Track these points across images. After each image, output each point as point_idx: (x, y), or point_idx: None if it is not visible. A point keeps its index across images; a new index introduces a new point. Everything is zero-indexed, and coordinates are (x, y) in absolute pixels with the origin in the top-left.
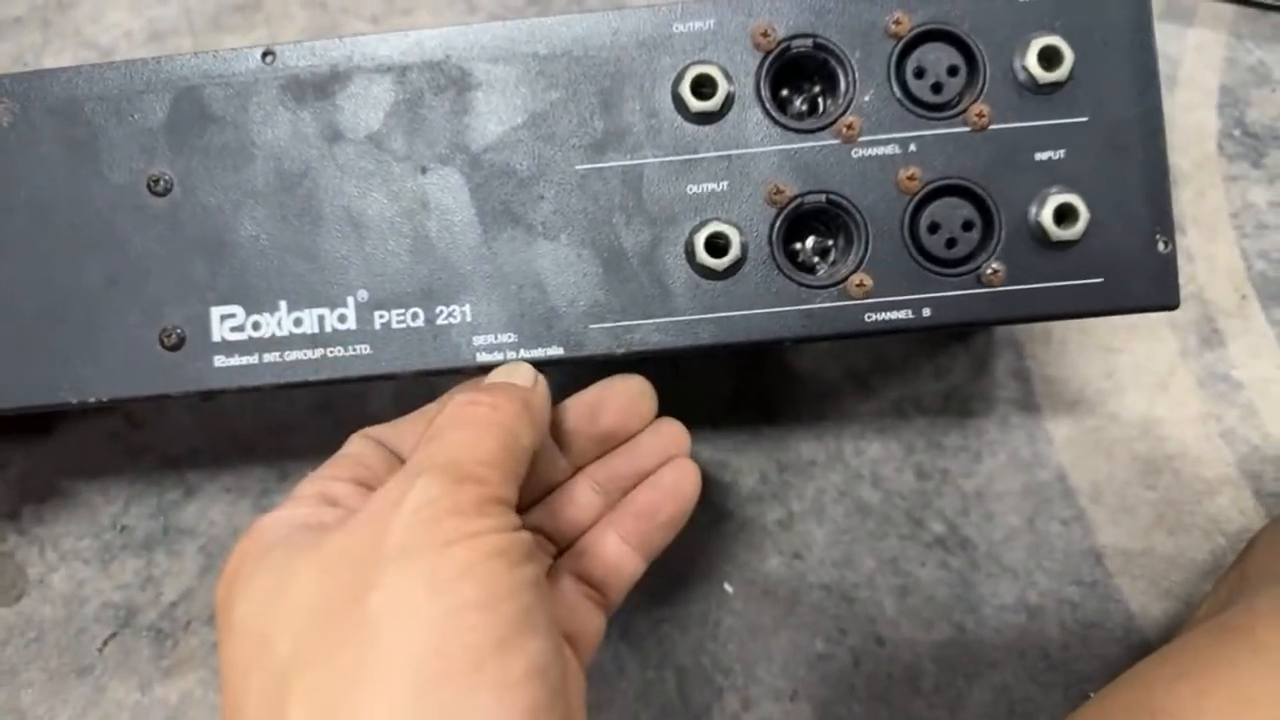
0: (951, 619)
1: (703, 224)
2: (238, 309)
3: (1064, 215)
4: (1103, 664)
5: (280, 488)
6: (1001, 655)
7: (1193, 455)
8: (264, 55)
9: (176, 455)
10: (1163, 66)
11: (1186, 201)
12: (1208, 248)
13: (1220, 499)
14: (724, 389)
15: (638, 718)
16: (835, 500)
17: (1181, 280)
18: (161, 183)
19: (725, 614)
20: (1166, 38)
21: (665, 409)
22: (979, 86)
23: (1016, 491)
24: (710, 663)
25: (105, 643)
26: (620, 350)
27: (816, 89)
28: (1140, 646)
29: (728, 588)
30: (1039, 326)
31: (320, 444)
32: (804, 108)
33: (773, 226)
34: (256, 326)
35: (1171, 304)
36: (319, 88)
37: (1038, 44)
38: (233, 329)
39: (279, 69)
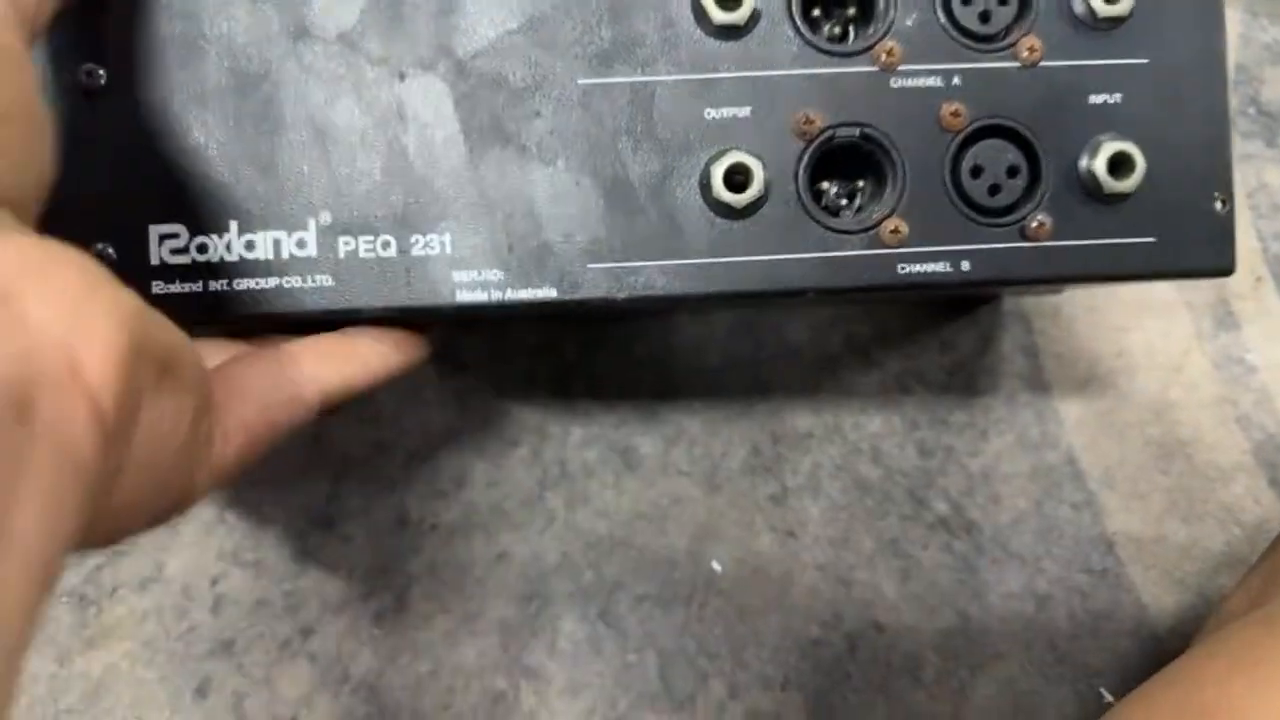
0: (955, 606)
1: (721, 154)
2: (180, 228)
3: (1118, 165)
4: (1113, 657)
5: None
6: (1007, 646)
7: (1207, 441)
8: None
9: None
10: None
11: None
12: None
13: (1235, 487)
14: (713, 357)
15: (615, 703)
16: (832, 475)
17: None
18: (93, 76)
19: (712, 594)
20: None
21: (650, 375)
22: (1031, 17)
23: (1024, 473)
24: (695, 646)
25: None
26: (621, 294)
27: (851, 10)
28: (1151, 640)
29: (716, 566)
30: (1047, 300)
31: None
32: (837, 30)
33: (799, 161)
34: (202, 249)
35: (1228, 269)
36: None
37: None
38: (173, 251)
39: None
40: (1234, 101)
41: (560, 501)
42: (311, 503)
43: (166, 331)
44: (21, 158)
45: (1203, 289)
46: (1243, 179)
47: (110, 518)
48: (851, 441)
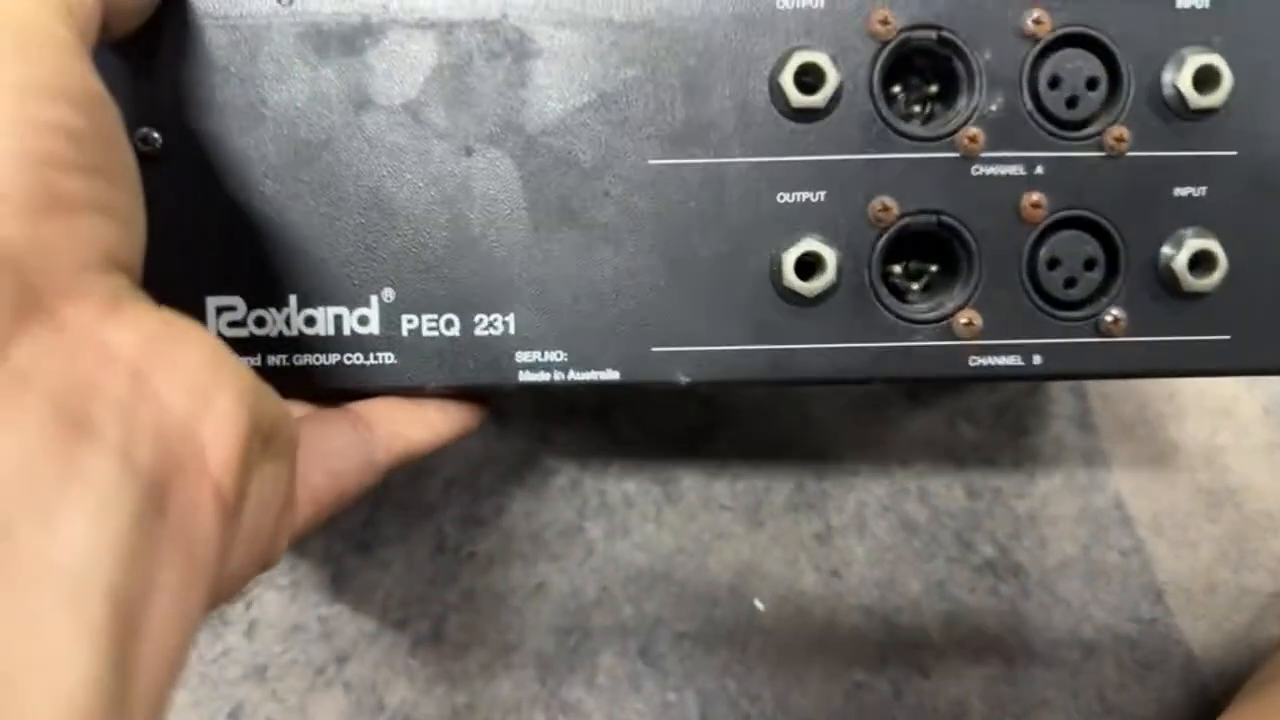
0: (1001, 651)
1: (793, 240)
2: (237, 300)
3: (1200, 262)
4: (1161, 709)
5: None
6: (1054, 694)
7: (1257, 488)
8: None
9: None
10: None
11: None
12: None
13: None
14: (756, 389)
15: None
16: (878, 515)
17: None
18: (149, 142)
19: (755, 633)
20: None
21: (694, 406)
22: (1120, 105)
23: (1072, 516)
24: (737, 686)
25: None
26: (686, 379)
27: (933, 88)
28: (1201, 691)
29: (759, 605)
30: None
31: None
32: (915, 111)
33: (873, 249)
34: (260, 323)
35: None
36: (346, 41)
37: (1194, 62)
38: (231, 324)
39: (298, 13)
40: None
41: (600, 532)
42: (349, 527)
43: (274, 403)
44: (130, 215)
45: None
46: None
47: (215, 593)
48: (898, 481)
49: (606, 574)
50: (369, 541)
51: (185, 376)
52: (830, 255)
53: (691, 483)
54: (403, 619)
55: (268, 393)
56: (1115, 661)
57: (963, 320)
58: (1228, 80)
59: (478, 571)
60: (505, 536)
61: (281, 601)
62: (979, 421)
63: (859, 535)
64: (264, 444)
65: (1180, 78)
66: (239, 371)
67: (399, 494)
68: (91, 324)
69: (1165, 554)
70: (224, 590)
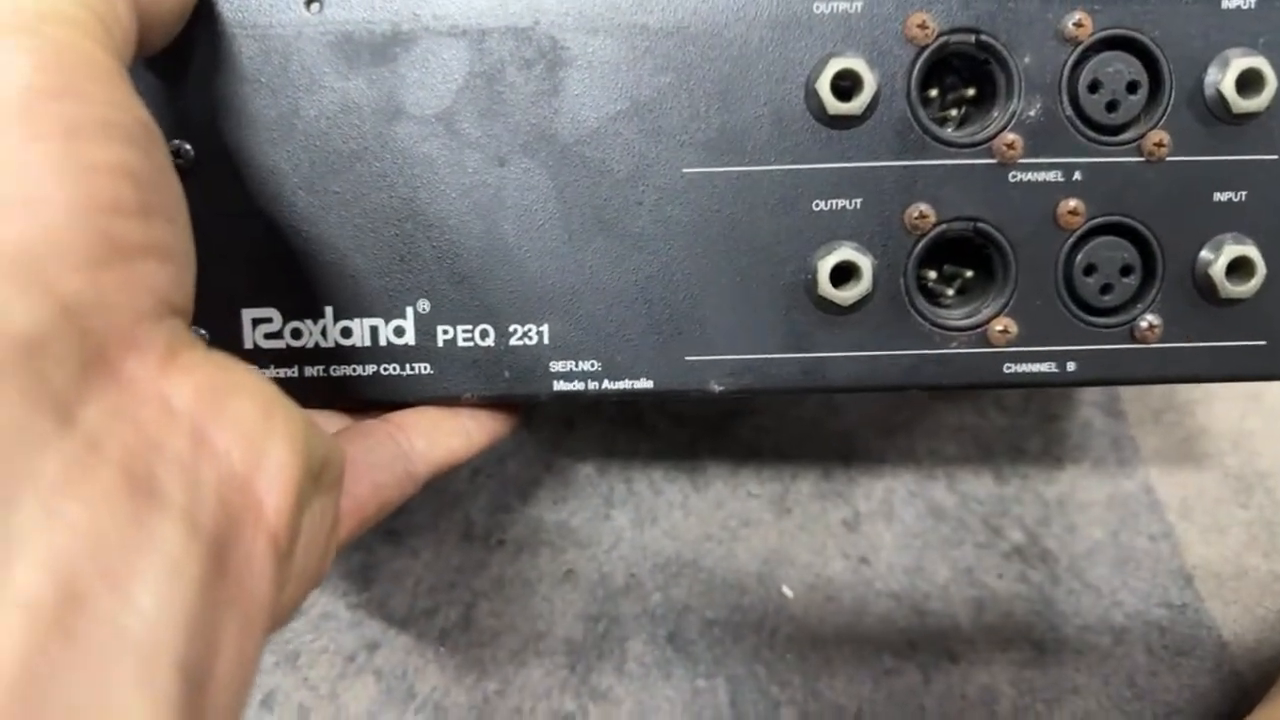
0: (1031, 637)
1: (828, 249)
2: (273, 312)
3: (1238, 268)
4: (1193, 695)
5: None
6: (1084, 680)
7: None
8: (309, 3)
9: None
10: None
11: None
12: None
13: None
14: (791, 397)
15: None
16: (906, 501)
17: None
18: (181, 155)
19: (783, 620)
20: None
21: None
22: (1161, 109)
23: (1100, 502)
24: (766, 673)
25: None
26: (719, 388)
27: (970, 91)
28: (1233, 678)
29: (787, 591)
30: None
31: None
32: (951, 114)
33: (909, 256)
34: (296, 335)
35: None
36: (377, 50)
37: (1239, 65)
38: (267, 336)
39: (328, 22)
40: None
41: (627, 520)
42: None
43: (323, 439)
44: (184, 253)
45: None
46: None
47: (270, 627)
48: (926, 467)
49: (634, 561)
50: (399, 530)
51: (241, 427)
52: (866, 263)
53: (718, 470)
54: (432, 607)
55: (317, 430)
56: (1145, 647)
57: (998, 328)
58: (1273, 83)
59: (507, 559)
60: (533, 524)
61: (312, 590)
62: (1007, 408)
63: (887, 522)
64: (314, 482)
65: (1224, 81)
66: (290, 415)
67: (428, 483)
68: (153, 378)
69: (1195, 539)
70: (279, 619)
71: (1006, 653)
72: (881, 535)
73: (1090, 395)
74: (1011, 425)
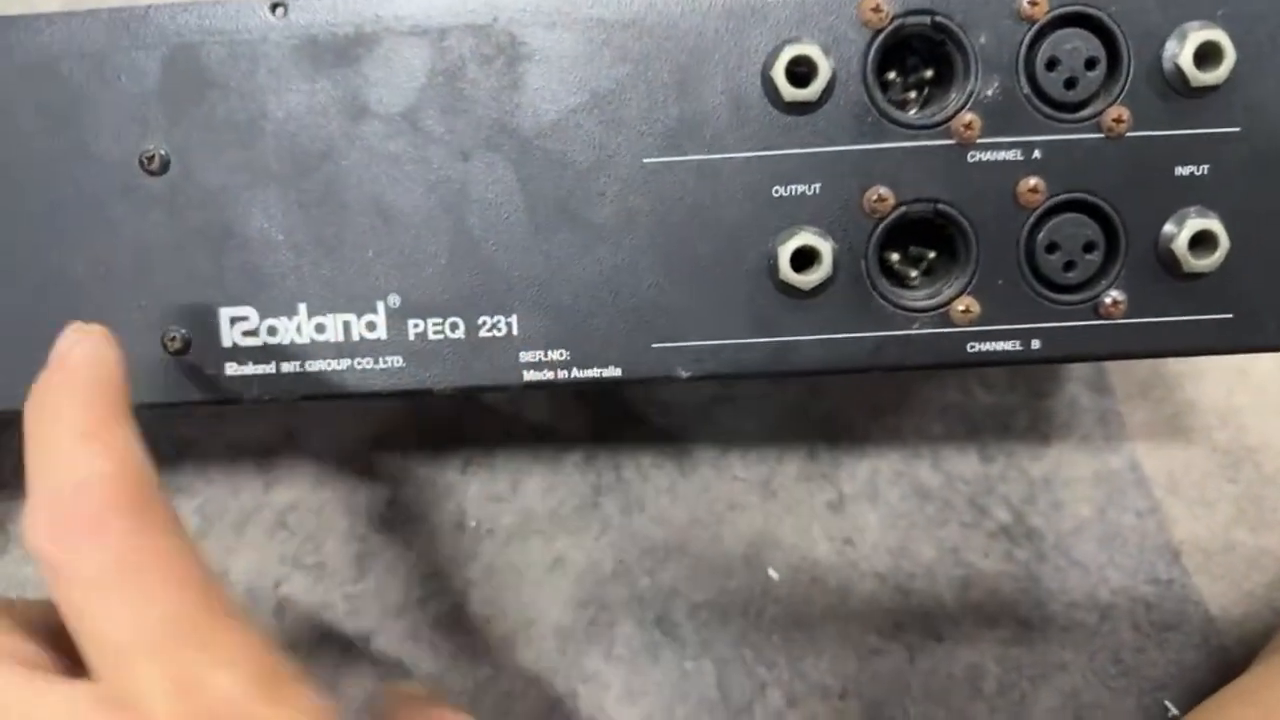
0: (1016, 615)
1: (789, 234)
2: (250, 310)
3: (1201, 243)
4: (1180, 670)
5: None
6: (1070, 657)
7: (1276, 447)
8: (274, 8)
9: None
10: None
11: None
12: None
13: None
14: (757, 381)
15: (673, 711)
16: (891, 482)
17: None
18: (156, 159)
19: (769, 602)
20: None
21: None
22: (1120, 85)
23: (1087, 478)
24: (753, 655)
25: None
26: (685, 374)
27: (929, 72)
28: (1220, 652)
29: (773, 574)
30: None
31: None
32: (911, 96)
33: (870, 239)
34: (272, 331)
35: None
36: (341, 51)
37: (1196, 37)
38: (245, 333)
39: (292, 26)
40: None
41: (615, 507)
42: (372, 507)
43: None
44: None
45: None
46: None
47: None
48: (911, 447)
49: (623, 547)
50: (392, 520)
51: None
52: (826, 247)
53: (705, 454)
54: (426, 595)
55: None
56: (1132, 624)
57: (960, 307)
58: (1230, 55)
59: (497, 548)
60: (523, 513)
61: (308, 581)
62: (993, 386)
63: (872, 503)
64: None
65: (1182, 55)
66: None
67: (420, 473)
68: None
69: (1182, 514)
70: None
71: (992, 631)
72: (866, 516)
73: (1077, 372)
74: (998, 403)
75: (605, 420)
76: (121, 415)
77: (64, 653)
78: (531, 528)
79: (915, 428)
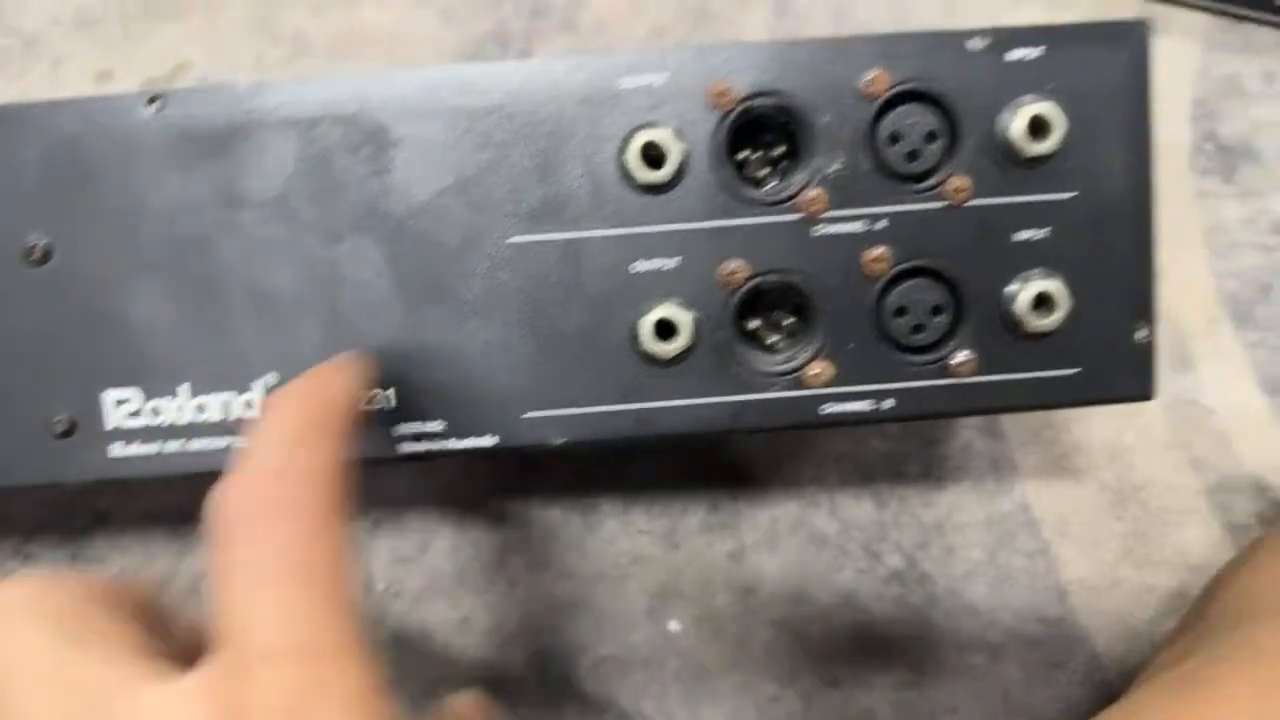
0: (909, 660)
1: (649, 306)
2: (134, 392)
3: (1042, 303)
4: (1066, 707)
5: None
6: (961, 699)
7: (1161, 485)
8: (150, 101)
9: None
10: None
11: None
12: (1178, 267)
13: (1188, 531)
14: (627, 446)
15: None
16: (790, 531)
17: None
18: (38, 250)
19: (670, 654)
20: None
21: None
22: (959, 156)
23: (979, 523)
24: (654, 707)
25: None
26: (558, 441)
27: (778, 152)
28: (1103, 687)
29: (674, 626)
30: None
31: None
32: (763, 174)
33: (726, 310)
34: (156, 412)
35: (1148, 396)
36: (216, 143)
37: (1027, 111)
38: (129, 414)
39: (169, 119)
40: (1191, 137)
41: (522, 565)
42: None
43: None
44: None
45: (1159, 330)
46: (1200, 217)
47: None
48: (809, 495)
49: (530, 605)
50: None
51: None
52: (686, 318)
53: (611, 509)
54: None
55: None
56: (1021, 663)
57: (813, 371)
58: (1061, 126)
59: (405, 610)
60: (431, 573)
61: None
62: (888, 434)
63: (771, 552)
64: None
65: (1015, 127)
66: None
67: None
68: None
69: (1071, 554)
70: None
71: (886, 675)
72: (765, 565)
73: (971, 418)
74: (892, 450)
75: (513, 477)
76: (340, 437)
77: (159, 636)
78: (438, 589)
79: (813, 476)
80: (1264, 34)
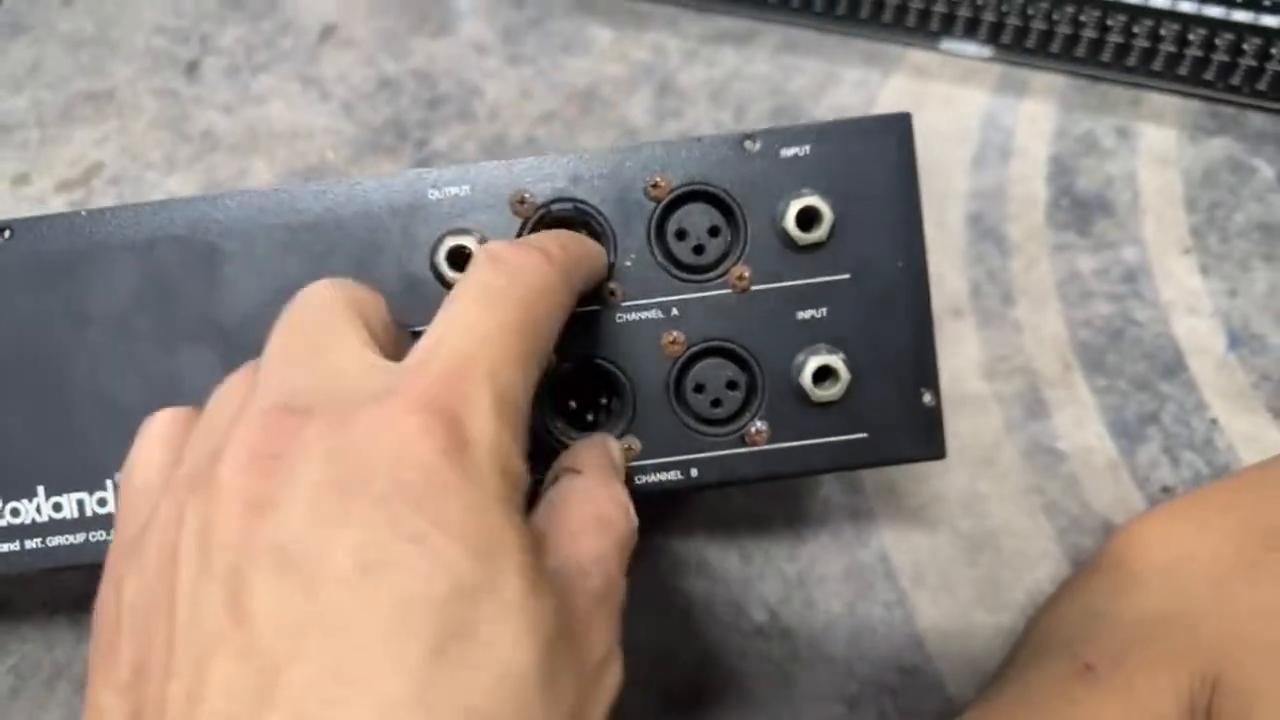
0: (769, 712)
1: None
2: None
3: (823, 376)
4: None
5: None
6: None
7: (1014, 530)
8: (0, 231)
9: None
10: (997, 138)
11: (1016, 272)
12: (1035, 318)
13: (1039, 573)
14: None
15: None
16: (661, 590)
17: (1008, 352)
18: None
19: None
20: (1002, 110)
21: None
22: (741, 247)
23: (839, 575)
24: None
25: None
26: None
27: None
28: None
29: None
30: None
31: None
32: None
33: (542, 392)
34: (15, 513)
35: (938, 455)
36: (63, 267)
37: (796, 205)
38: None
39: (18, 246)
40: (1049, 193)
41: None
42: None
43: None
44: None
45: (1015, 380)
46: (1055, 268)
47: None
48: (676, 552)
49: None
50: None
51: None
52: None
53: None
54: None
55: None
56: (878, 713)
57: (623, 446)
58: (828, 216)
59: None
60: None
61: None
62: (751, 491)
63: (641, 613)
64: None
65: (787, 219)
66: None
67: None
68: None
69: (926, 602)
70: None
71: None
72: (637, 626)
73: (827, 475)
74: (755, 506)
75: None
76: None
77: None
78: None
79: (682, 534)
80: (1118, 92)
